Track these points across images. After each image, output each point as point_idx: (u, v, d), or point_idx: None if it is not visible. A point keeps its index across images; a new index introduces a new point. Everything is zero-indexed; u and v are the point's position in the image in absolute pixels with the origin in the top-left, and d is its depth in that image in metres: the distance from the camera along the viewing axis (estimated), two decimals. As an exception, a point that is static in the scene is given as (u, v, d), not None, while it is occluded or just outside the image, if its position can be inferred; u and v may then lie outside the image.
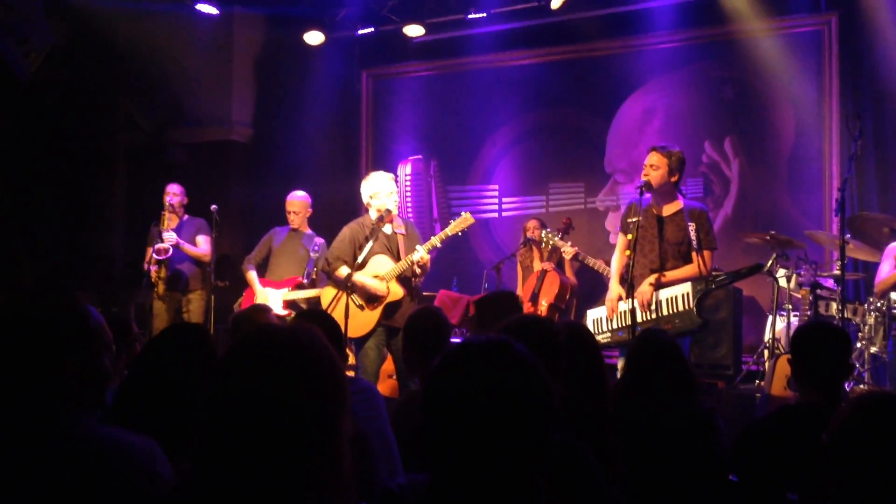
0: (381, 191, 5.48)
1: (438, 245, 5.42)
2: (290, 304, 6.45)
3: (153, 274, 6.83)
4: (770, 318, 6.22)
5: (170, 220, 6.96)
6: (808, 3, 7.28)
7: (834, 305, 5.85)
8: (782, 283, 6.16)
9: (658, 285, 4.79)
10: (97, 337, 1.78)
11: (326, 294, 5.60)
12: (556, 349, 2.35)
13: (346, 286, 5.18)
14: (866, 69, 7.01)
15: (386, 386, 6.10)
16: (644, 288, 4.78)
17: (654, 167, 4.84)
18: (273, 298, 6.41)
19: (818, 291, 5.86)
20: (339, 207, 7.91)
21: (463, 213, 5.50)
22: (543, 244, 6.64)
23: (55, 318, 1.72)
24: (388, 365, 5.92)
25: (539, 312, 6.72)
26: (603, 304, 5.06)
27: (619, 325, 4.91)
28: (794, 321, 6.09)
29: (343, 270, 5.36)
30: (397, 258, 5.43)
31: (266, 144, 9.10)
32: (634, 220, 4.79)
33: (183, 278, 6.93)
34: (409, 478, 1.60)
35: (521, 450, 1.34)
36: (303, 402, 1.38)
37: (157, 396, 2.19)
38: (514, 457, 1.34)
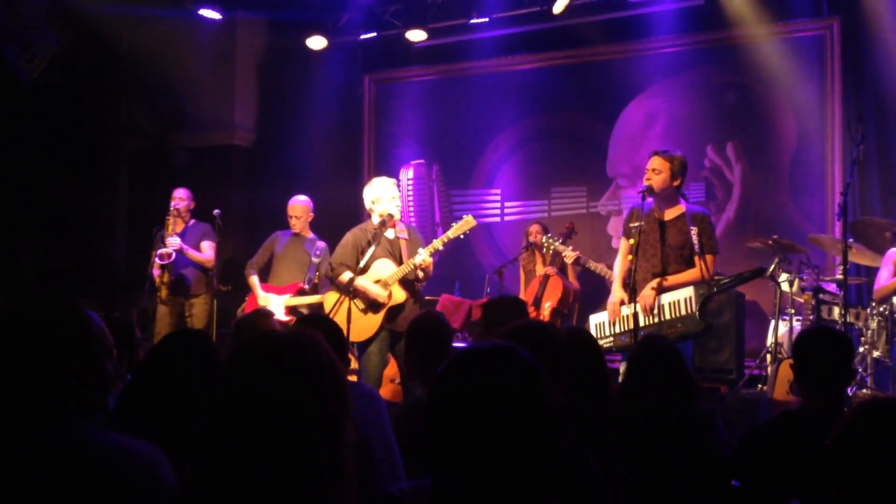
0: (383, 196, 5.49)
1: (441, 248, 5.42)
2: (292, 311, 6.46)
3: (156, 278, 6.84)
4: (773, 322, 6.21)
5: (175, 225, 6.96)
6: (810, 8, 7.28)
7: (836, 310, 5.84)
8: (785, 287, 6.15)
9: (660, 289, 4.79)
10: (99, 342, 1.78)
11: (329, 299, 5.60)
12: (559, 355, 2.35)
13: (349, 291, 5.18)
14: (868, 73, 7.01)
15: (388, 390, 6.10)
16: (646, 292, 4.77)
17: (657, 171, 4.84)
18: (275, 304, 6.42)
19: (821, 296, 5.85)
20: (341, 211, 7.91)
21: (465, 215, 5.50)
22: (545, 249, 6.64)
23: (57, 324, 1.72)
24: (391, 369, 5.92)
25: (541, 317, 6.72)
26: (605, 308, 5.06)
27: (622, 330, 4.91)
28: (797, 325, 6.08)
29: (346, 276, 5.36)
30: (400, 262, 5.44)
31: (269, 149, 9.12)
32: (636, 224, 4.79)
33: (186, 283, 6.93)
34: (412, 483, 1.60)
35: (525, 456, 1.35)
36: (305, 408, 1.38)
37: (160, 401, 2.19)
38: (518, 463, 1.34)
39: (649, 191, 4.83)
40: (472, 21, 8.11)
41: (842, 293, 5.65)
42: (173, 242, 6.79)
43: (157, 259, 6.77)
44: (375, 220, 5.53)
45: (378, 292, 5.31)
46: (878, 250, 6.00)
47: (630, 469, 2.67)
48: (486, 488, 1.34)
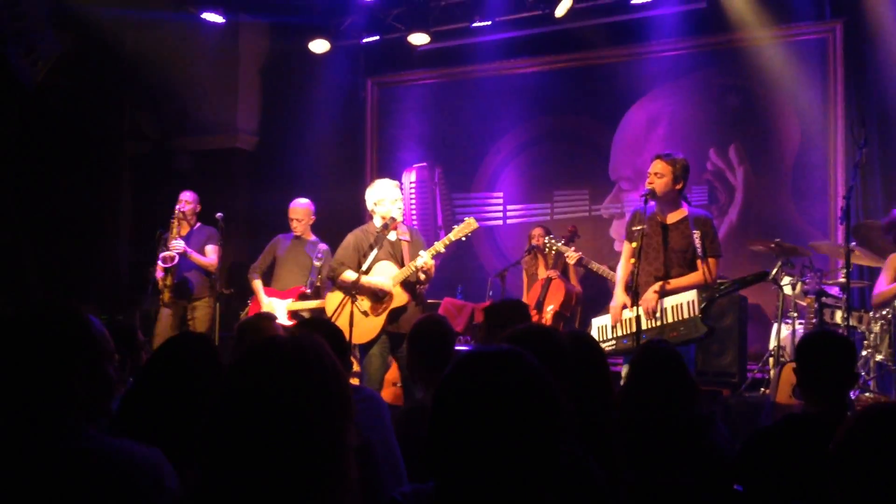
0: (385, 198, 5.49)
1: (442, 250, 5.42)
2: (294, 315, 6.46)
3: (159, 281, 6.84)
4: (775, 325, 6.21)
5: (180, 228, 6.96)
6: (812, 11, 7.28)
7: (839, 313, 5.83)
8: (787, 290, 6.14)
9: (663, 293, 4.78)
10: (100, 346, 1.79)
11: (331, 301, 5.60)
12: (562, 358, 2.35)
13: (353, 289, 5.18)
14: (871, 77, 7.00)
15: (389, 393, 6.10)
16: (649, 296, 4.77)
17: (659, 175, 4.84)
18: (278, 308, 6.43)
19: (823, 299, 5.84)
20: (344, 215, 7.92)
21: (467, 218, 5.50)
22: (547, 250, 6.64)
23: (61, 329, 1.73)
24: (392, 372, 5.92)
25: (544, 320, 6.72)
26: (607, 311, 5.06)
27: (624, 333, 4.91)
28: (800, 329, 6.07)
29: (348, 274, 5.37)
30: (402, 265, 5.44)
31: (271, 152, 9.13)
32: (639, 228, 4.79)
33: (189, 286, 6.94)
34: (414, 487, 1.60)
35: (530, 460, 1.34)
36: (307, 412, 1.38)
37: (162, 405, 2.19)
38: (522, 467, 1.34)
39: (652, 194, 4.82)
40: (475, 24, 8.12)
41: (844, 296, 5.65)
42: (177, 245, 6.80)
43: (160, 262, 6.78)
44: (377, 221, 5.53)
45: (382, 283, 5.30)
46: (881, 254, 5.99)
47: (632, 471, 2.67)
48: (489, 492, 1.34)
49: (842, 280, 5.71)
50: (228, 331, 6.93)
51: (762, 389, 6.13)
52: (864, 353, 5.70)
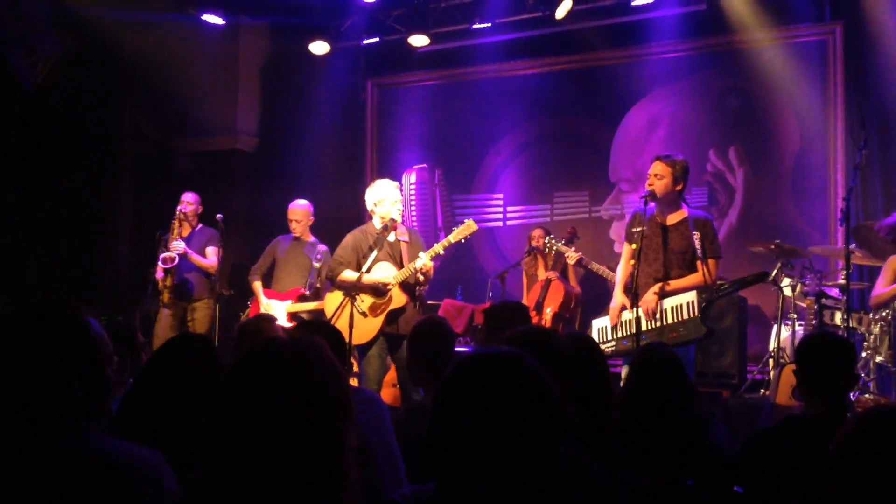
0: (385, 199, 5.49)
1: (441, 252, 5.41)
2: (294, 317, 6.47)
3: (159, 282, 6.84)
4: (775, 327, 6.21)
5: (182, 229, 6.96)
6: (812, 13, 7.29)
7: (839, 315, 5.83)
8: (787, 292, 6.15)
9: (662, 294, 4.79)
10: (100, 348, 1.79)
11: (330, 301, 5.60)
12: (562, 360, 2.35)
13: (353, 289, 5.17)
14: (871, 78, 7.01)
15: (388, 394, 6.10)
16: (648, 297, 4.77)
17: (659, 177, 4.84)
18: (278, 310, 6.43)
19: (823, 301, 5.84)
20: (344, 216, 7.92)
21: (466, 220, 5.49)
22: (547, 250, 6.64)
23: (61, 330, 1.73)
24: (391, 373, 5.92)
25: (543, 321, 6.72)
26: (607, 313, 5.06)
27: (624, 334, 4.91)
28: (799, 330, 6.07)
29: (347, 273, 5.36)
30: (400, 266, 5.43)
31: (271, 153, 9.14)
32: (639, 229, 4.79)
33: (189, 287, 6.93)
34: (414, 488, 1.60)
35: (530, 462, 1.35)
36: (307, 414, 1.39)
37: (162, 406, 2.19)
38: (522, 469, 1.34)
39: (652, 196, 4.82)
40: (475, 26, 8.12)
41: (844, 298, 5.65)
42: (177, 246, 6.79)
43: (160, 263, 6.78)
44: (377, 222, 5.53)
45: (384, 277, 5.30)
46: (880, 255, 6.00)
47: (632, 472, 2.67)
48: (489, 493, 1.34)
49: (841, 281, 5.71)
50: (229, 332, 6.94)
51: (762, 391, 6.13)
52: (863, 354, 5.70)
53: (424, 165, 9.03)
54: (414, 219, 8.98)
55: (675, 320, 4.73)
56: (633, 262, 4.75)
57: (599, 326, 5.09)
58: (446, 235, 5.57)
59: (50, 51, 6.81)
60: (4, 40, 6.31)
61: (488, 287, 7.65)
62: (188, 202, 7.05)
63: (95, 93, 8.84)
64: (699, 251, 4.75)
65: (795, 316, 6.15)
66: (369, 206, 5.57)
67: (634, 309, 4.65)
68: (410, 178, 9.05)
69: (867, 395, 5.55)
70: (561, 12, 7.42)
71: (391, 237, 5.46)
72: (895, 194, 6.85)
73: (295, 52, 8.61)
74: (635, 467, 2.71)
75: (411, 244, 5.54)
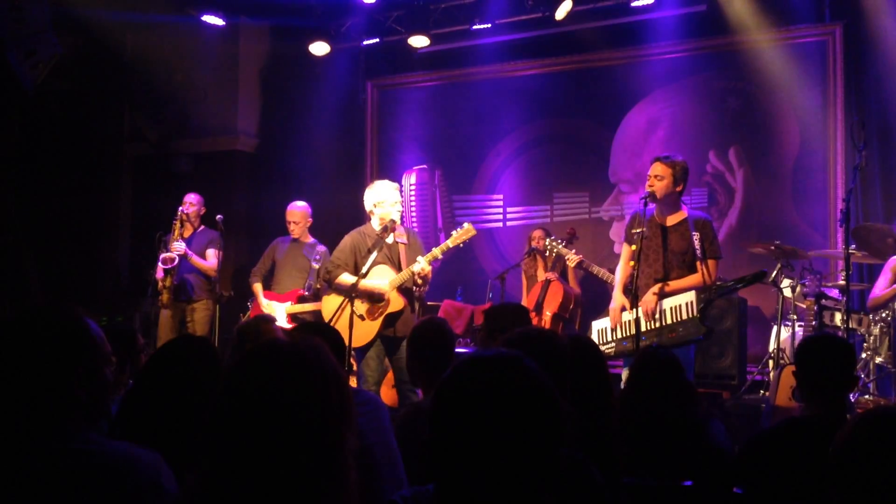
0: (385, 200, 5.47)
1: (440, 256, 5.40)
2: (294, 318, 6.46)
3: (159, 282, 6.84)
4: (775, 328, 6.21)
5: (183, 230, 6.95)
6: (812, 14, 7.28)
7: (839, 316, 5.84)
8: (787, 293, 6.15)
9: (662, 295, 4.79)
10: (99, 349, 1.79)
11: (328, 304, 5.59)
12: (562, 362, 2.36)
13: (351, 292, 5.17)
14: (871, 79, 7.01)
15: (388, 395, 6.09)
16: (648, 297, 4.78)
17: (659, 178, 4.85)
18: (277, 311, 6.43)
19: (823, 302, 5.85)
20: (344, 217, 7.92)
21: (465, 224, 5.47)
22: (547, 252, 6.64)
23: (60, 332, 1.73)
24: (389, 375, 5.91)
25: (543, 322, 6.72)
26: (607, 314, 5.06)
27: (624, 335, 4.91)
28: (799, 331, 6.08)
29: (345, 277, 5.36)
30: (398, 268, 5.42)
31: (271, 154, 9.14)
32: (638, 230, 4.80)
33: (188, 288, 6.94)
34: (414, 489, 1.60)
35: (529, 464, 1.35)
36: (308, 416, 1.39)
37: (161, 407, 2.19)
38: (521, 471, 1.34)
39: (651, 197, 4.83)
40: (475, 27, 8.12)
41: (844, 299, 5.66)
42: (178, 247, 6.79)
43: (160, 263, 6.78)
44: (375, 222, 5.52)
45: (380, 285, 5.29)
46: (880, 256, 6.00)
47: (632, 474, 2.68)
48: (489, 495, 1.35)
49: (841, 282, 5.71)
50: (228, 333, 6.94)
51: (762, 392, 6.13)
52: (863, 355, 5.71)
53: (424, 166, 9.03)
54: (414, 220, 8.98)
55: (675, 321, 4.74)
56: (632, 262, 4.75)
57: (599, 328, 5.09)
58: (446, 236, 5.56)
59: (50, 52, 6.80)
60: (4, 41, 6.30)
61: (488, 288, 7.65)
62: (190, 203, 7.04)
63: (95, 94, 8.85)
64: (699, 252, 4.75)
65: (795, 317, 6.16)
66: (368, 207, 5.56)
67: (634, 310, 4.65)
68: (410, 179, 9.06)
69: (867, 397, 5.56)
70: (561, 13, 7.43)
71: (389, 239, 5.43)
72: (894, 195, 6.85)
73: (295, 52, 8.61)
74: (635, 468, 2.71)
75: (410, 246, 5.52)
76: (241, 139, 9.12)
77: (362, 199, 5.66)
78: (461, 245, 5.47)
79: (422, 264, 5.26)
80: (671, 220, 4.91)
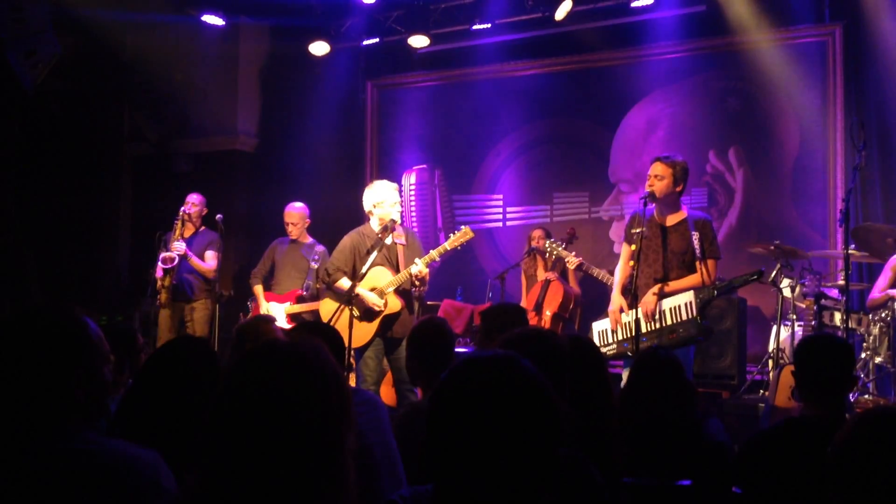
0: (385, 200, 5.46)
1: (437, 259, 5.40)
2: (294, 318, 6.46)
3: (158, 281, 6.83)
4: (774, 328, 6.21)
5: (184, 230, 6.94)
6: (812, 14, 7.29)
7: (838, 315, 5.84)
8: (786, 292, 6.15)
9: (661, 295, 4.79)
10: (98, 349, 1.79)
11: (326, 306, 5.58)
12: (561, 362, 2.35)
13: (349, 298, 5.16)
14: (870, 80, 7.01)
15: (387, 395, 6.09)
16: (647, 298, 4.78)
17: (659, 178, 4.84)
18: (276, 312, 6.43)
19: (822, 301, 5.85)
20: (344, 217, 7.92)
21: (463, 227, 5.47)
22: (547, 254, 6.64)
23: (59, 332, 1.73)
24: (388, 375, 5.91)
25: (542, 322, 6.72)
26: (607, 315, 5.06)
27: (624, 336, 4.91)
28: (799, 331, 6.08)
29: (344, 282, 5.35)
30: (396, 269, 5.41)
31: (271, 154, 9.14)
32: (638, 230, 4.79)
33: (188, 288, 6.93)
34: (413, 489, 1.60)
35: (527, 465, 1.35)
36: (307, 416, 1.39)
37: (160, 407, 2.19)
38: (520, 471, 1.35)
39: (651, 197, 4.83)
40: (475, 27, 8.13)
41: (843, 299, 5.66)
42: (178, 247, 6.79)
43: (160, 263, 6.77)
44: (374, 223, 5.51)
45: (375, 301, 5.29)
46: (880, 256, 6.00)
47: (631, 475, 2.68)
48: (487, 495, 1.35)
49: (841, 282, 5.71)
50: (227, 332, 6.94)
51: (761, 392, 6.14)
52: (863, 355, 5.71)
53: (424, 166, 9.03)
54: (414, 219, 8.98)
55: (674, 321, 4.74)
56: (632, 263, 4.75)
57: (600, 329, 5.09)
58: (446, 236, 5.57)
59: (50, 52, 6.80)
60: (4, 41, 6.30)
61: (488, 288, 7.65)
62: (193, 203, 7.03)
63: (95, 94, 8.85)
64: (698, 252, 4.75)
65: (795, 317, 6.16)
66: (367, 207, 5.55)
67: (633, 310, 4.66)
68: (410, 179, 9.06)
69: (866, 396, 5.56)
70: (561, 13, 7.43)
71: (388, 239, 5.41)
72: (894, 195, 6.85)
73: (295, 52, 8.61)
74: (635, 468, 2.71)
75: (408, 247, 5.51)
76: (240, 139, 9.12)
77: (362, 199, 5.65)
78: (459, 248, 5.47)
79: (419, 266, 5.25)
80: (671, 220, 4.91)
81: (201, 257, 6.92)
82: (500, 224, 8.67)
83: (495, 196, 8.72)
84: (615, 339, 4.95)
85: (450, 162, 8.93)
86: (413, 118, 9.07)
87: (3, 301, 7.46)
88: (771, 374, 5.93)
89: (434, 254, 5.33)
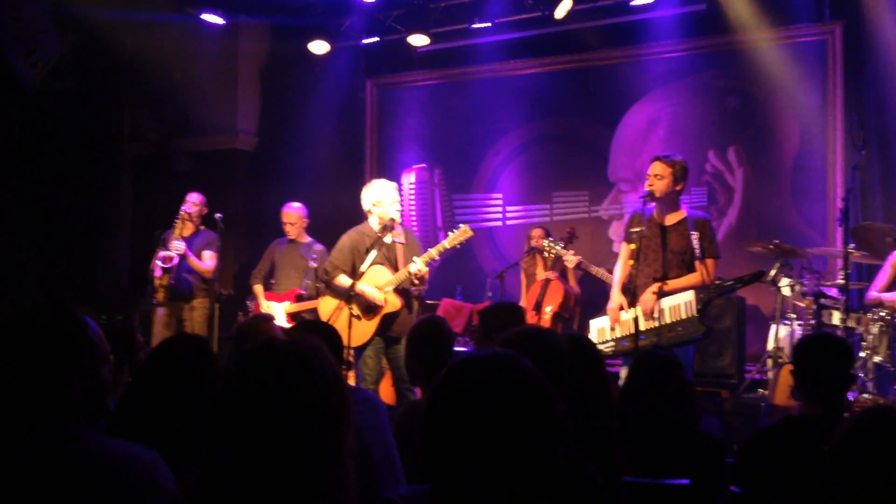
0: (384, 199, 5.47)
1: (437, 257, 5.39)
2: (293, 317, 6.47)
3: (156, 280, 6.83)
4: (773, 326, 6.21)
5: (184, 229, 6.94)
6: (812, 13, 7.28)
7: (837, 314, 5.84)
8: (786, 291, 6.15)
9: (661, 294, 4.79)
10: (97, 349, 1.79)
11: (325, 305, 5.58)
12: (560, 361, 2.36)
13: (348, 296, 5.16)
14: (870, 79, 7.00)
15: (386, 393, 6.09)
16: (647, 297, 4.78)
17: (659, 177, 4.85)
18: (276, 311, 6.44)
19: (822, 300, 5.85)
20: (343, 216, 7.91)
21: (462, 225, 5.46)
22: (547, 254, 6.65)
23: (60, 332, 1.74)
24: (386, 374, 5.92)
25: (542, 321, 6.72)
26: (606, 313, 5.07)
27: (623, 335, 4.91)
28: (798, 330, 6.09)
29: (342, 279, 5.35)
30: (395, 268, 5.41)
31: (271, 153, 9.14)
32: (637, 229, 4.80)
33: (186, 287, 6.92)
34: (412, 488, 1.60)
35: (526, 464, 1.35)
36: (307, 415, 1.39)
37: (159, 406, 2.20)
38: (518, 471, 1.35)
39: (651, 196, 4.83)
40: (475, 26, 8.13)
41: (843, 298, 5.66)
42: (178, 247, 6.78)
43: (159, 262, 6.77)
44: (374, 222, 5.51)
45: (375, 295, 5.29)
46: (879, 256, 6.00)
47: (631, 474, 2.68)
48: (486, 495, 1.35)
49: (840, 281, 5.72)
50: (226, 332, 6.94)
51: (760, 391, 6.14)
52: (862, 354, 5.71)
53: (424, 165, 9.03)
54: (413, 218, 8.99)
55: (674, 320, 4.74)
56: (631, 262, 4.76)
57: (598, 327, 5.10)
58: (445, 235, 5.56)
59: (50, 51, 6.79)
60: (4, 41, 6.30)
61: (487, 287, 7.65)
62: (193, 203, 7.02)
63: (95, 94, 8.84)
64: (698, 251, 4.76)
65: (794, 316, 6.16)
66: (366, 206, 5.55)
67: (632, 309, 4.66)
68: (410, 178, 9.06)
69: (866, 395, 5.56)
70: (560, 12, 7.43)
71: (387, 238, 5.41)
72: (894, 194, 6.85)
73: (295, 51, 8.61)
74: (634, 467, 2.71)
75: (408, 246, 5.51)
76: (240, 138, 9.12)
77: (361, 198, 5.64)
78: (458, 246, 5.47)
79: (418, 265, 5.25)
80: (670, 220, 4.92)
81: (200, 257, 6.92)
82: (500, 223, 8.67)
83: (495, 195, 8.72)
84: (613, 337, 4.96)
85: (449, 161, 8.93)
86: (413, 117, 9.07)
87: (3, 301, 7.46)
88: (770, 373, 5.93)
89: (433, 252, 5.33)
